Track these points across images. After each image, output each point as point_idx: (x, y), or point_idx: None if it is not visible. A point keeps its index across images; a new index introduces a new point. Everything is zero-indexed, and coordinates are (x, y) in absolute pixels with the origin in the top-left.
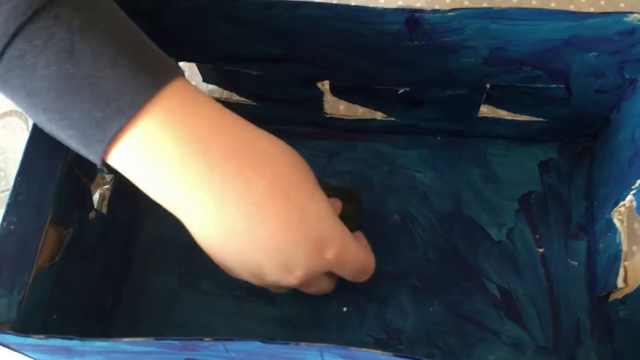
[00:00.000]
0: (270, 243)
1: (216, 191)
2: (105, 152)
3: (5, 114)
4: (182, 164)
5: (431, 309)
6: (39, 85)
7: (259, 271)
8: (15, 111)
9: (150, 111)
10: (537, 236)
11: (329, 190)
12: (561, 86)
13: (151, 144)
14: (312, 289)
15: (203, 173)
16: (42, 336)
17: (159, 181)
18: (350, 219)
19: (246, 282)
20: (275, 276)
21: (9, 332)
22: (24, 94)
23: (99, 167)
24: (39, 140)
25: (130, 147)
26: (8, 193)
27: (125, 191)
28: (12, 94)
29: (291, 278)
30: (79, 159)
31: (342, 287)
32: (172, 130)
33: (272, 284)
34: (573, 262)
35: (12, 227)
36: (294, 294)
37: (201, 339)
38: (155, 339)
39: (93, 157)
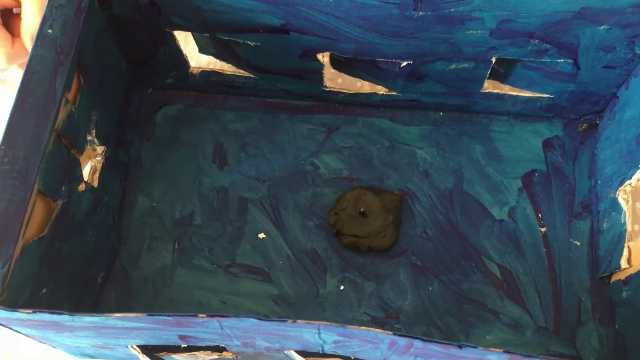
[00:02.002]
0: None
1: None
2: None
3: None
4: None
5: (430, 287)
6: None
7: None
8: (2, 80)
9: None
10: (540, 215)
11: (375, 193)
12: (569, 61)
13: None
14: None
15: None
16: (29, 311)
17: None
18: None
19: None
20: None
21: None
22: None
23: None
24: (24, 108)
25: None
26: None
27: (118, 164)
28: None
29: None
30: (67, 129)
31: (340, 266)
32: None
33: None
34: (576, 242)
35: None
36: (290, 272)
37: (195, 315)
38: (147, 315)
39: None
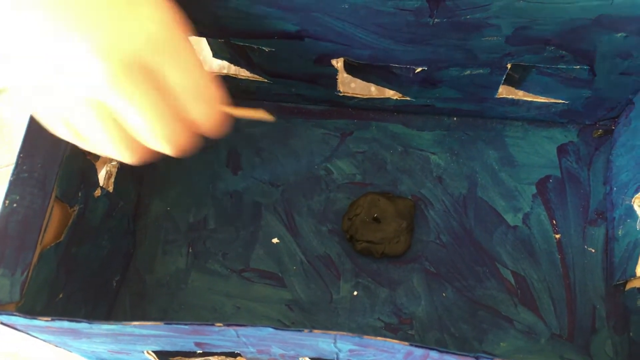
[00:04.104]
0: None
1: None
2: None
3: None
4: None
5: (443, 294)
6: None
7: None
8: None
9: None
10: (554, 222)
11: (389, 198)
12: (585, 67)
13: None
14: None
15: None
16: (48, 318)
17: None
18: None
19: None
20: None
21: (15, 313)
22: None
23: None
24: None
25: None
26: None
27: (131, 169)
28: None
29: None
30: None
31: (353, 271)
32: None
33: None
34: (590, 249)
35: (15, 205)
36: (304, 277)
37: (212, 324)
38: (165, 323)
39: None
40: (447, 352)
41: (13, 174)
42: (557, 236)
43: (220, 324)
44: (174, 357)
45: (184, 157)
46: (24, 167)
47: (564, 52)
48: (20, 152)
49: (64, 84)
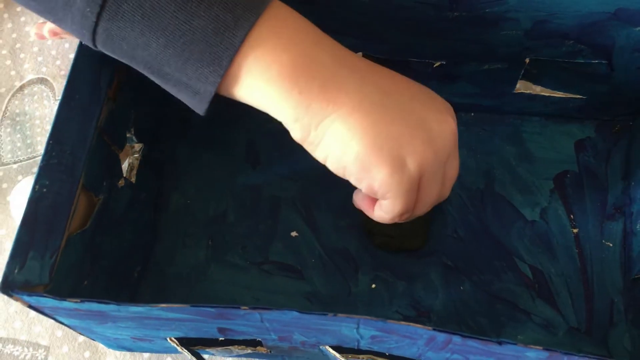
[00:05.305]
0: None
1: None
2: (232, 63)
3: (31, 82)
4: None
5: (461, 287)
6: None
7: (424, 125)
8: (42, 79)
9: (273, 16)
10: (572, 216)
11: None
12: (603, 62)
13: (282, 45)
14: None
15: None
16: (77, 300)
17: (295, 91)
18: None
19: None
20: (437, 120)
21: (45, 295)
22: (139, 17)
23: (210, 97)
24: (71, 104)
25: (259, 53)
26: (34, 160)
27: (153, 162)
28: (122, 24)
29: (449, 121)
30: (109, 126)
31: (372, 265)
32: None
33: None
34: (608, 244)
35: (45, 190)
36: (323, 270)
37: (238, 307)
38: (191, 306)
39: (214, 77)
40: (470, 337)
41: (43, 160)
42: (575, 231)
43: (246, 307)
44: (195, 345)
45: (204, 152)
46: (54, 154)
47: (582, 46)
48: (49, 139)
49: None
